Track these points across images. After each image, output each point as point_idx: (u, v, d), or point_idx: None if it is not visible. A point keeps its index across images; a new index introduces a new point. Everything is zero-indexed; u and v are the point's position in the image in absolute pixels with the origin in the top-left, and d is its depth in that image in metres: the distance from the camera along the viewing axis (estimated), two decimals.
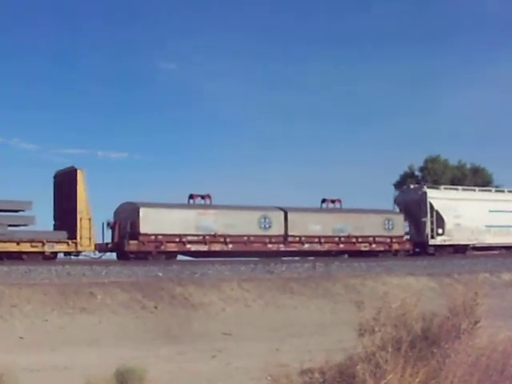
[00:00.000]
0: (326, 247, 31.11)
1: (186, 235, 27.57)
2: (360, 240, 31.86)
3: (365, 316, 7.58)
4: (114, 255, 27.77)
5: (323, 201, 32.92)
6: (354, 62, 74.68)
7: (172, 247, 27.36)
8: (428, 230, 33.65)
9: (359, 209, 32.94)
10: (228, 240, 28.45)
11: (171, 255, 27.47)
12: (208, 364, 13.15)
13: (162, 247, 27.06)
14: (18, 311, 17.95)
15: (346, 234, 31.49)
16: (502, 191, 38.16)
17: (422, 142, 67.02)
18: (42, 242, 24.51)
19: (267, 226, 29.56)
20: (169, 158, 73.28)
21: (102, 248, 26.82)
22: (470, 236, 34.59)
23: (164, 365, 12.70)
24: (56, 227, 26.51)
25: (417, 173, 50.89)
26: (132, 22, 72.57)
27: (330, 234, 31.15)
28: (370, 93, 72.89)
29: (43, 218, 27.99)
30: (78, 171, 25.45)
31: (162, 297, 20.39)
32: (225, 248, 28.45)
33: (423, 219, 33.81)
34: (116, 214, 28.15)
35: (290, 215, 30.25)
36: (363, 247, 32.02)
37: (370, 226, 32.15)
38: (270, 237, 29.55)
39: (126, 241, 26.38)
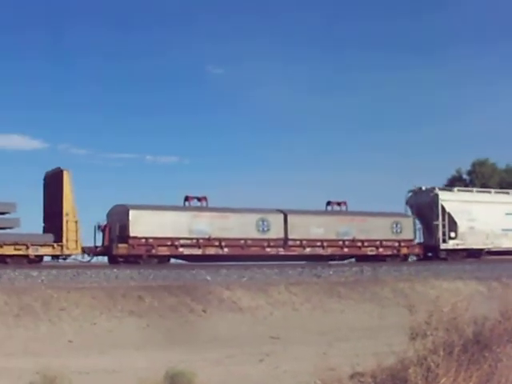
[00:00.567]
0: (329, 251, 29.90)
1: (178, 238, 26.69)
2: (366, 244, 30.61)
3: (416, 320, 7.67)
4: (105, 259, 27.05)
5: (328, 203, 31.76)
6: (407, 66, 73.72)
7: (164, 251, 26.49)
8: (440, 234, 32.24)
9: (365, 211, 31.67)
10: (223, 244, 27.46)
11: (164, 259, 26.61)
12: (256, 367, 13.23)
13: (153, 251, 26.20)
14: (67, 315, 18.13)
15: (350, 237, 30.26)
16: None
17: (469, 145, 65.66)
18: (26, 245, 23.87)
19: (265, 229, 28.50)
20: (217, 161, 72.82)
21: (91, 251, 26.09)
22: (485, 240, 33.05)
23: (212, 368, 12.75)
24: (45, 230, 25.88)
25: (464, 176, 51.03)
26: (183, 26, 73.10)
27: (333, 237, 29.95)
28: (419, 96, 72.13)
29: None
30: (64, 172, 24.77)
31: (210, 301, 20.50)
32: (220, 252, 27.47)
33: (435, 222, 32.43)
34: (108, 216, 27.40)
35: (290, 218, 29.14)
36: (369, 251, 30.74)
37: (377, 230, 30.87)
38: (268, 240, 28.48)
39: (115, 244, 25.61)
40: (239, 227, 27.91)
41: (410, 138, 68.60)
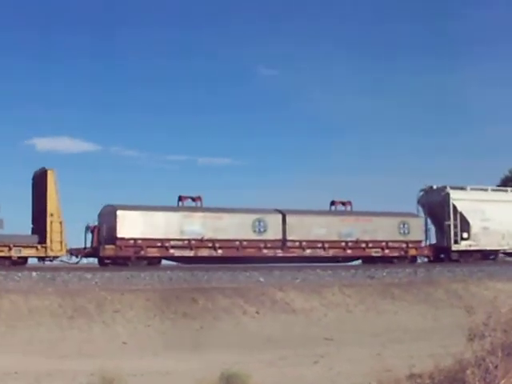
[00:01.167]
0: (331, 253, 28.76)
1: (168, 240, 25.87)
2: (370, 245, 29.33)
3: (474, 321, 7.62)
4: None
5: (332, 203, 30.54)
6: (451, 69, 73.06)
7: (153, 252, 25.70)
8: (451, 234, 30.73)
9: (370, 211, 30.37)
10: (217, 245, 26.54)
11: (154, 261, 25.81)
12: (310, 369, 13.10)
13: (142, 252, 25.42)
14: (121, 316, 18.09)
15: (354, 238, 29.00)
16: None
17: None
18: (9, 247, 23.33)
19: (262, 229, 27.49)
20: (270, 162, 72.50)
21: (79, 253, 25.45)
22: (501, 241, 31.44)
23: (266, 369, 12.63)
24: (33, 231, 25.32)
25: None
26: (237, 28, 73.08)
27: (335, 238, 28.75)
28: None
29: None
30: (49, 172, 24.20)
31: (263, 302, 20.39)
32: (213, 253, 26.56)
33: (446, 223, 30.94)
34: (99, 216, 26.75)
35: (288, 218, 28.07)
36: (374, 253, 29.47)
37: (383, 230, 29.58)
38: (265, 241, 27.44)
39: (102, 245, 24.91)
40: (234, 228, 26.99)
41: (459, 140, 66.86)
